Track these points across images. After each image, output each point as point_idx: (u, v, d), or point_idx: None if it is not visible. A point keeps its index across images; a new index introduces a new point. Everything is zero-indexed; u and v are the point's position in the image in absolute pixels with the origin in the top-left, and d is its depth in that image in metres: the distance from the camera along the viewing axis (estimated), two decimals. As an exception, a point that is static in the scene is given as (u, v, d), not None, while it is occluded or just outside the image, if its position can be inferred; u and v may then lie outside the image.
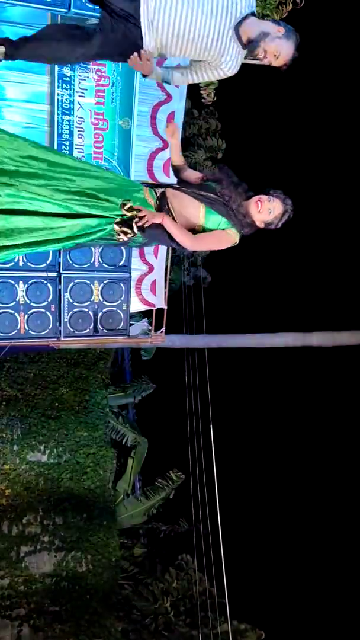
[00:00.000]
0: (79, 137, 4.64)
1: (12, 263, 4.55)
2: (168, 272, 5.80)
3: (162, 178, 5.29)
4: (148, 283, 5.68)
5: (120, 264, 5.01)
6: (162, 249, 5.61)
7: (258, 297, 12.80)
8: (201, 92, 7.00)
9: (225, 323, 9.40)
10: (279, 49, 2.41)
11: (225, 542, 6.91)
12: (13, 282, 4.59)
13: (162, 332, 6.05)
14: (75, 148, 4.66)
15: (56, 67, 4.35)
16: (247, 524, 11.63)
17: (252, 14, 2.44)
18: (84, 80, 4.47)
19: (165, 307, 5.89)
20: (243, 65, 2.61)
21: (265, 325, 8.36)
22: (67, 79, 4.41)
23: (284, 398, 12.87)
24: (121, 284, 5.06)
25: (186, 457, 8.44)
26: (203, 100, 7.21)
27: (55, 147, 4.61)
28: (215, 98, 7.03)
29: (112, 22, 2.42)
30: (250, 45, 2.43)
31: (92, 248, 4.85)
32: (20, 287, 4.64)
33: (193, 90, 7.00)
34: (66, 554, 7.33)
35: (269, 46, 2.40)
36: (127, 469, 8.71)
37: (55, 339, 4.98)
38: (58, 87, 4.40)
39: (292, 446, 13.03)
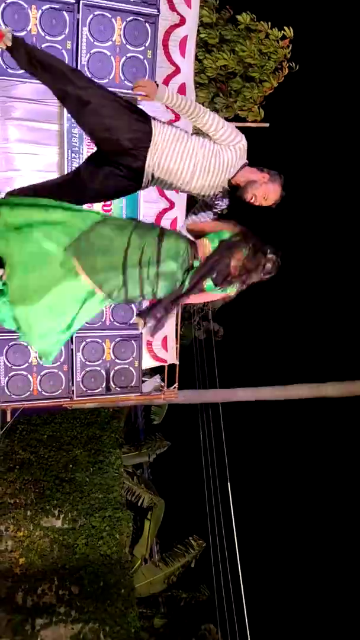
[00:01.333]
0: (88, 205, 4.80)
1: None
2: (179, 328, 5.82)
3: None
4: (159, 339, 5.70)
5: (132, 322, 5.05)
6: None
7: (271, 348, 12.75)
8: None
9: (238, 376, 9.32)
10: (267, 192, 2.61)
11: (249, 609, 6.57)
12: (25, 344, 4.63)
13: (174, 387, 6.00)
14: (85, 212, 4.82)
15: (65, 138, 4.57)
16: (271, 589, 11.07)
17: (244, 165, 2.63)
18: (92, 149, 4.67)
19: (177, 363, 5.87)
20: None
21: (279, 376, 8.28)
22: (76, 148, 4.62)
23: (302, 451, 12.55)
24: (132, 342, 5.08)
25: (205, 518, 8.16)
26: None
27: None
28: None
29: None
30: (239, 191, 2.63)
31: (103, 308, 4.91)
32: (33, 349, 4.67)
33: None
34: (83, 625, 6.99)
35: (258, 191, 2.60)
36: (144, 532, 8.43)
37: (68, 399, 4.96)
38: (67, 157, 4.59)
39: (315, 502, 12.58)
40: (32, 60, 2.50)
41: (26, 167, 4.60)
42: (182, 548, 8.33)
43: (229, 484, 7.08)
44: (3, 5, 3.98)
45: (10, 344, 4.58)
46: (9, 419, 5.14)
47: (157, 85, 2.51)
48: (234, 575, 7.06)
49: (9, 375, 4.62)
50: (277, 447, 12.79)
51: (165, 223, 5.37)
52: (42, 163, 4.64)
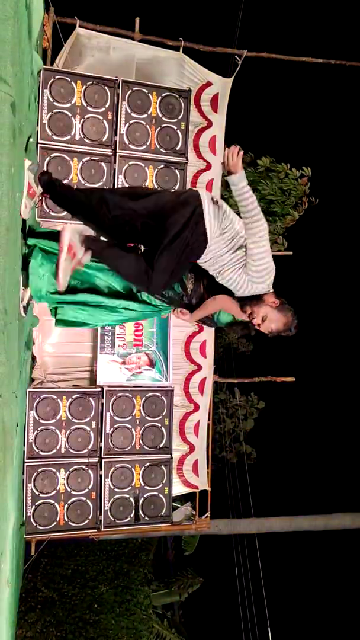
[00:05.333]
0: (120, 327, 4.98)
1: (55, 450, 4.55)
2: (210, 451, 5.67)
3: (199, 359, 5.50)
4: (190, 463, 5.54)
5: (161, 445, 4.96)
6: (203, 427, 5.56)
7: (309, 472, 12.13)
8: None
9: (274, 503, 8.81)
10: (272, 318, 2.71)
11: None
12: (54, 471, 4.55)
13: (206, 516, 5.70)
14: (117, 337, 4.98)
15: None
16: None
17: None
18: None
19: (209, 489, 5.64)
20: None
21: (319, 504, 7.78)
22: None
23: (349, 586, 11.37)
24: (162, 467, 4.95)
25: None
26: None
27: (99, 337, 4.95)
28: None
29: None
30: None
31: (134, 430, 4.86)
32: (62, 475, 4.58)
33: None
34: None
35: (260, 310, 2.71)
36: None
37: (96, 530, 4.74)
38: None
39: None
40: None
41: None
42: None
43: (269, 629, 6.39)
44: (48, 158, 4.49)
45: (39, 470, 4.51)
46: (32, 552, 4.89)
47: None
48: None
49: (36, 504, 4.49)
50: (321, 583, 11.64)
51: (195, 346, 5.48)
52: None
